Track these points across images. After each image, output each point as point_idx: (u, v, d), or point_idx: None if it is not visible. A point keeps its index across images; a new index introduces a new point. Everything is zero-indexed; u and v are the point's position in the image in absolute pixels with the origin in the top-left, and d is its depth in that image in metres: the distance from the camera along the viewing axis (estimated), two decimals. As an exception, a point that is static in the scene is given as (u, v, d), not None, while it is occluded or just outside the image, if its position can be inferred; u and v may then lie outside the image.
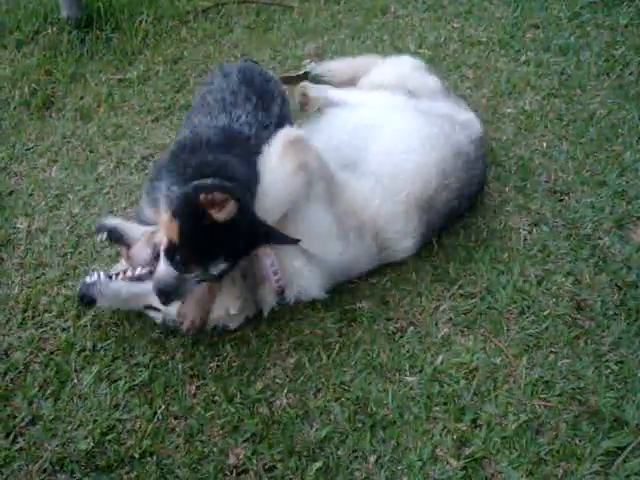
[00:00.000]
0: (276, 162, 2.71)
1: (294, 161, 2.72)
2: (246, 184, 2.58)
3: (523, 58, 4.60)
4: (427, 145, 3.06)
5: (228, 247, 2.46)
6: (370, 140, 3.08)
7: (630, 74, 4.31)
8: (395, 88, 3.49)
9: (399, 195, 2.92)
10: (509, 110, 4.07)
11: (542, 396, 2.48)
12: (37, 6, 5.45)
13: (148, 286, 2.61)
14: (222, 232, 2.41)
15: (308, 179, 2.73)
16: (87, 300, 2.75)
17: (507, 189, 3.44)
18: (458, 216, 3.19)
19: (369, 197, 2.90)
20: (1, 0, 5.74)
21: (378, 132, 3.11)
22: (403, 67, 3.72)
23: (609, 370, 2.55)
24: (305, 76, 4.20)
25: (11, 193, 3.61)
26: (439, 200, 3.01)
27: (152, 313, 2.79)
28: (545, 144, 3.75)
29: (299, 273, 2.80)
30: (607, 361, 2.59)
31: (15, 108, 4.35)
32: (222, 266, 2.47)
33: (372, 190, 2.91)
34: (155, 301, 2.63)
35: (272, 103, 3.03)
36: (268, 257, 2.76)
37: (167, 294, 2.49)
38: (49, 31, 5.05)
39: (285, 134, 2.81)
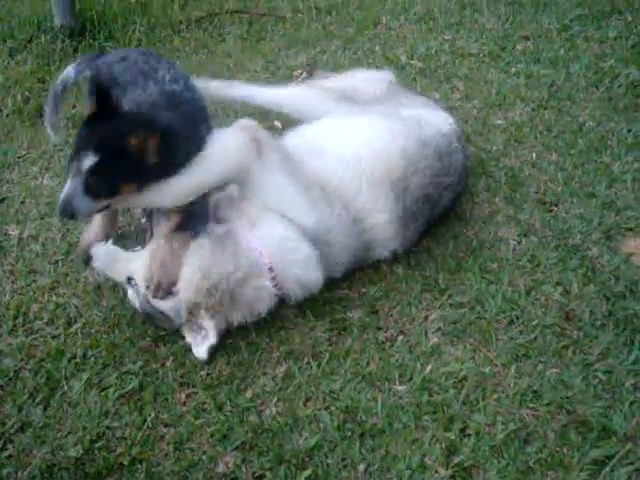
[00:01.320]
0: (229, 134, 2.86)
1: (246, 136, 2.83)
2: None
3: (513, 70, 4.64)
4: (388, 137, 3.14)
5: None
6: (330, 138, 3.17)
7: (619, 86, 4.34)
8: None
9: (364, 171, 2.99)
10: (499, 121, 4.10)
11: (531, 405, 2.49)
12: (30, 14, 5.47)
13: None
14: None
15: (258, 149, 2.82)
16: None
17: (497, 200, 3.46)
18: (443, 208, 3.24)
19: (332, 172, 2.97)
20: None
21: (338, 132, 3.21)
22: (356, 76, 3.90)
23: (597, 380, 2.56)
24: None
25: (3, 200, 3.61)
26: (413, 183, 3.05)
27: (130, 292, 2.81)
28: (535, 155, 3.78)
29: (292, 260, 2.82)
30: (595, 371, 2.60)
31: (8, 116, 4.36)
32: (91, 159, 2.49)
33: (335, 167, 2.99)
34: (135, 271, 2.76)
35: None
36: (249, 236, 2.83)
37: (63, 208, 2.55)
38: (42, 39, 5.08)
39: (239, 122, 2.92)
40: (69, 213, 2.57)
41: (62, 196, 2.55)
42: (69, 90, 3.19)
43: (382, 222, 2.99)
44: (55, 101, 3.10)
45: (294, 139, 3.22)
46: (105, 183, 2.57)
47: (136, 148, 2.51)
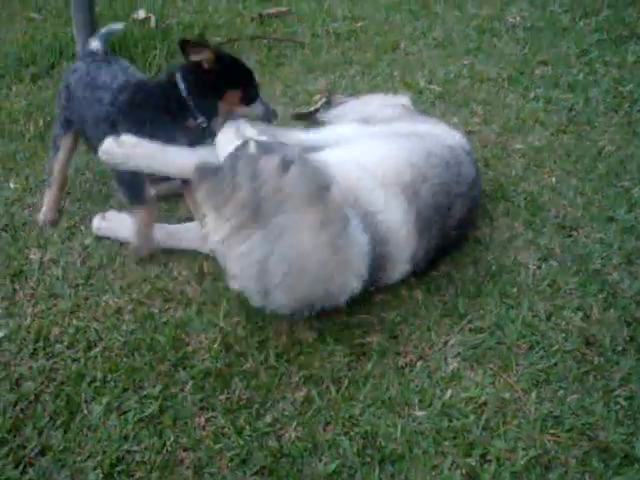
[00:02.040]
0: None
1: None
2: None
3: (532, 94, 4.65)
4: (393, 146, 3.27)
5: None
6: (345, 154, 3.27)
7: (638, 111, 4.34)
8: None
9: (376, 174, 3.08)
10: (518, 146, 4.10)
11: (551, 431, 2.47)
12: (53, 41, 5.55)
13: None
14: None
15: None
16: None
17: (516, 224, 3.46)
18: (457, 220, 3.22)
19: (349, 174, 3.04)
20: (18, 35, 5.85)
21: (350, 150, 3.33)
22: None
23: (619, 406, 2.54)
24: (317, 112, 4.25)
25: (24, 225, 3.63)
26: (423, 190, 3.09)
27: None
28: (554, 180, 3.77)
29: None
30: (617, 397, 2.58)
31: (30, 140, 4.40)
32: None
33: (351, 171, 3.08)
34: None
35: None
36: None
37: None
38: (64, 65, 5.14)
39: None
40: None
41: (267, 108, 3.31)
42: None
43: (396, 220, 3.00)
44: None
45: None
46: None
47: None
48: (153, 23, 5.99)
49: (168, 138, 3.08)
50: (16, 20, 6.58)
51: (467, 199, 3.25)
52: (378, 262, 2.95)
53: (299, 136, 3.55)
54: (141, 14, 6.16)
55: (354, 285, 2.85)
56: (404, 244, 3.02)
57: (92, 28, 5.16)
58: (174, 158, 3.07)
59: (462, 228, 3.28)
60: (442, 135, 3.44)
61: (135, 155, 3.07)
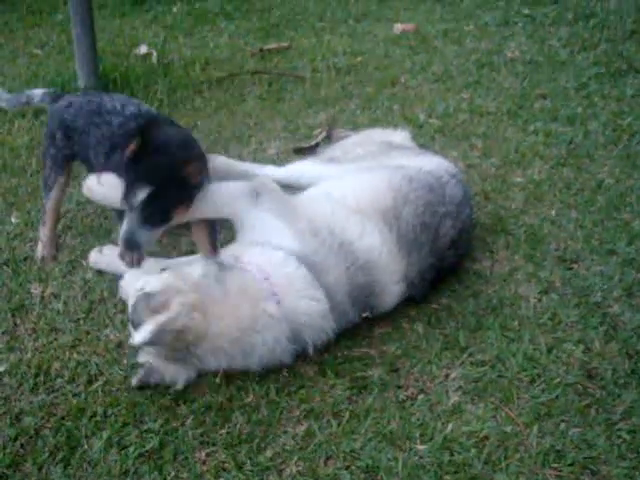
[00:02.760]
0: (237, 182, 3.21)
1: (247, 185, 3.15)
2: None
3: (531, 128, 4.68)
4: (372, 175, 3.34)
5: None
6: (322, 189, 3.38)
7: (637, 143, 4.37)
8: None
9: (349, 204, 3.17)
10: (518, 179, 4.12)
11: (554, 465, 2.45)
12: (55, 76, 5.62)
13: None
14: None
15: (256, 196, 3.09)
16: None
17: (517, 257, 3.46)
18: (450, 240, 3.24)
19: (321, 210, 3.13)
20: (21, 70, 5.91)
21: (330, 185, 3.40)
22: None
23: (621, 439, 2.53)
24: (317, 146, 4.28)
25: (26, 259, 3.64)
26: (405, 212, 3.15)
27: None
28: (554, 213, 3.79)
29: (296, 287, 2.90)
30: (619, 430, 2.56)
31: (32, 175, 4.42)
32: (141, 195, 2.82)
33: (324, 205, 3.16)
34: None
35: None
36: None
37: (127, 242, 2.92)
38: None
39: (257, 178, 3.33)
40: (133, 246, 2.92)
41: (123, 232, 2.92)
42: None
43: (375, 245, 3.05)
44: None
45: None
46: (160, 211, 2.91)
47: (190, 174, 2.87)
48: (155, 59, 6.07)
49: None
50: (19, 55, 6.66)
51: (457, 219, 3.28)
52: (365, 287, 3.01)
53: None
54: (143, 49, 6.25)
55: (318, 307, 2.90)
56: (389, 266, 3.06)
57: (94, 64, 5.24)
58: None
59: (457, 248, 3.30)
60: (418, 163, 3.47)
61: (112, 196, 3.09)
